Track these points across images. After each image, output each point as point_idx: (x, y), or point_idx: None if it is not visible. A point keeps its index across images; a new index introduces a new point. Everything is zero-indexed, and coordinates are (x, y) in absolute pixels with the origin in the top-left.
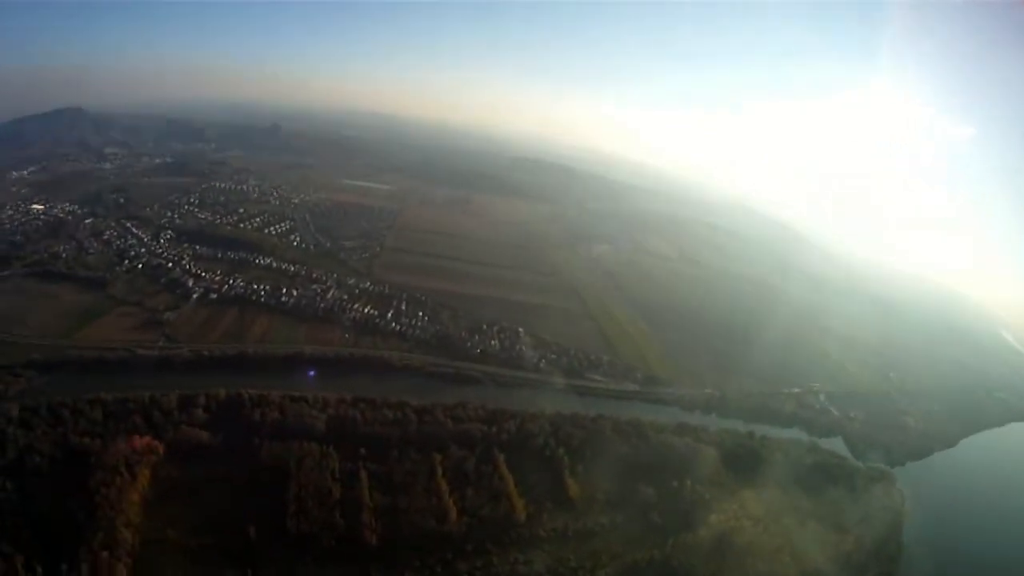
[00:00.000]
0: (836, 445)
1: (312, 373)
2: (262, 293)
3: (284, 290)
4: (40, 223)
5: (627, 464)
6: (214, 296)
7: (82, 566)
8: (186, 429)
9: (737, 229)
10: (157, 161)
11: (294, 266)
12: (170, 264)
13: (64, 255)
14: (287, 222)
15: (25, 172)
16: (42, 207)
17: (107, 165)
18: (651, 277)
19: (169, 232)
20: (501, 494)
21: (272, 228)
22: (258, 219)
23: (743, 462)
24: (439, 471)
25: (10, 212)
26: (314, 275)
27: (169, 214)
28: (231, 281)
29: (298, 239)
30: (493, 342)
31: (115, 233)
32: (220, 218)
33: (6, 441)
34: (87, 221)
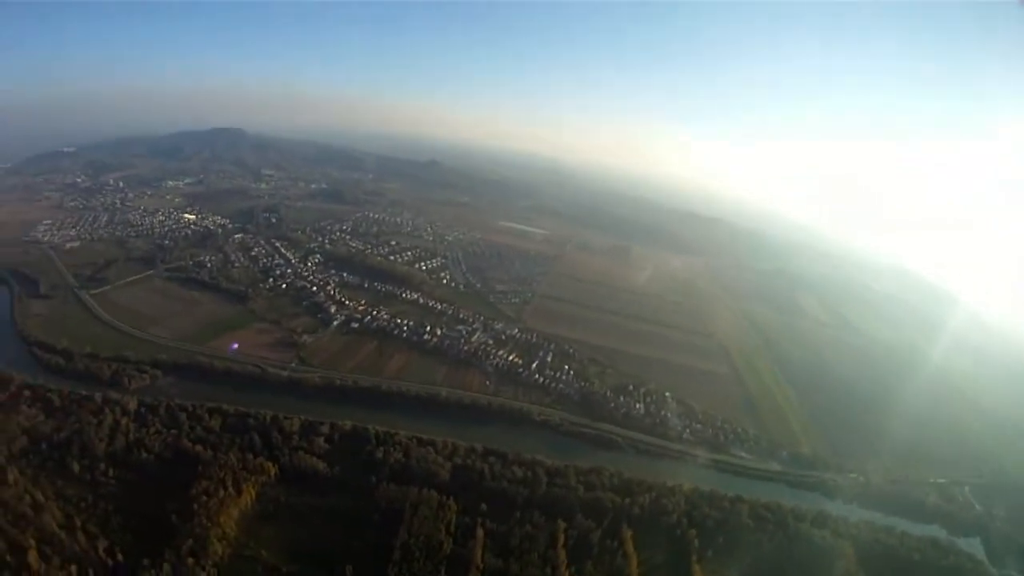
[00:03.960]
0: (975, 546)
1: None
2: (405, 328)
3: (428, 328)
4: (189, 232)
5: (759, 554)
6: (355, 325)
7: (164, 565)
8: (303, 455)
9: (888, 289)
10: (312, 186)
11: (441, 304)
12: (314, 288)
13: (209, 265)
14: (439, 259)
15: (181, 183)
16: (193, 217)
17: (262, 185)
18: (805, 342)
19: (318, 256)
20: (621, 574)
21: (423, 263)
22: (409, 253)
23: (878, 562)
24: (561, 539)
25: (161, 218)
26: (461, 315)
27: (319, 239)
28: (374, 312)
29: (448, 277)
30: (638, 405)
31: (263, 251)
32: (371, 248)
33: (118, 431)
34: (236, 236)
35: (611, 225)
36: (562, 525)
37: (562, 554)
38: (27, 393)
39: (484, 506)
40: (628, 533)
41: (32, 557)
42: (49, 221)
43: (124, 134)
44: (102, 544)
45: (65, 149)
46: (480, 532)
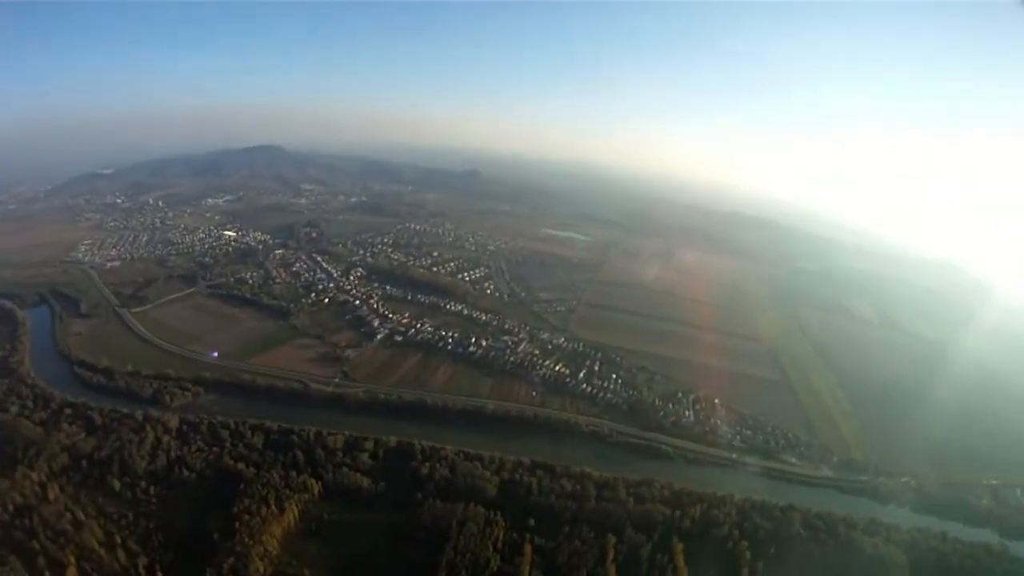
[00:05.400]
0: None
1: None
2: (449, 340)
3: (473, 339)
4: (230, 248)
5: (810, 565)
6: (399, 338)
7: None
8: (348, 472)
9: (936, 287)
10: (353, 200)
11: (486, 315)
12: (357, 302)
13: (251, 281)
14: (482, 269)
15: (220, 200)
16: (234, 234)
17: (303, 200)
18: (854, 345)
19: (360, 270)
20: None
21: (466, 274)
22: (452, 264)
23: (930, 570)
24: (610, 555)
25: (202, 235)
26: (506, 326)
27: (361, 252)
28: (419, 325)
29: (492, 287)
30: (687, 413)
31: (304, 265)
32: (413, 260)
33: (159, 449)
34: (277, 251)
35: (652, 228)
36: (612, 540)
37: (611, 570)
38: (68, 411)
39: (532, 521)
40: (679, 547)
41: (71, 574)
42: (89, 241)
43: (162, 155)
44: (142, 561)
45: (104, 171)
46: (528, 548)
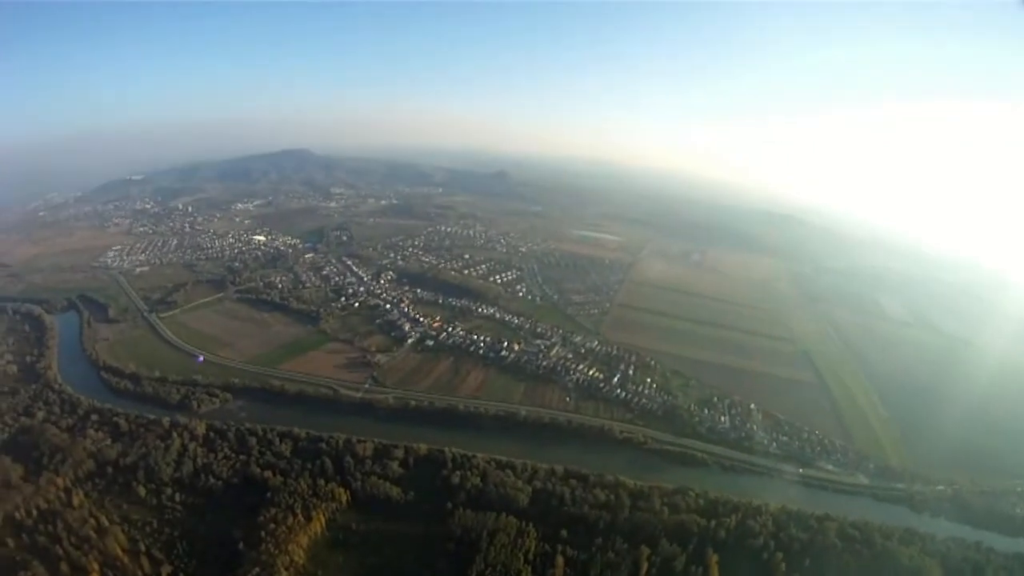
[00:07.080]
0: None
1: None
2: (481, 344)
3: (505, 343)
4: (260, 253)
5: None
6: (430, 343)
7: None
8: (376, 481)
9: (967, 286)
10: (383, 203)
11: (518, 318)
12: (388, 306)
13: (280, 285)
14: (513, 271)
15: (250, 205)
16: (264, 238)
17: (332, 204)
18: (888, 345)
19: (390, 273)
20: None
21: (497, 277)
22: (483, 266)
23: None
24: (644, 567)
25: (231, 240)
26: (538, 329)
27: (391, 255)
28: (450, 329)
29: (524, 290)
30: (723, 418)
31: (335, 269)
32: (444, 263)
33: (185, 455)
34: (307, 255)
35: (683, 228)
36: (645, 551)
37: None
38: (94, 417)
39: (564, 532)
40: (713, 558)
41: None
42: (119, 247)
43: (191, 160)
44: (166, 569)
45: (134, 177)
46: (560, 560)
